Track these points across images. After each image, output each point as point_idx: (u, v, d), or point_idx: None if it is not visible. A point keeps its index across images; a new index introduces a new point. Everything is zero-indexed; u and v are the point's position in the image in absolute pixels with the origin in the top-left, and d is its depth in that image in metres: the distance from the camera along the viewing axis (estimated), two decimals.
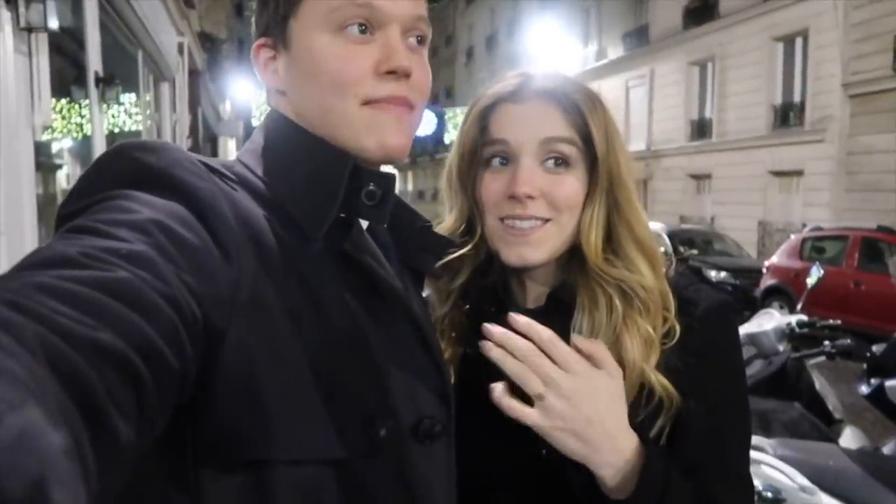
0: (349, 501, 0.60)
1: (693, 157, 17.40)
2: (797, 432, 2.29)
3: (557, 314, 0.87)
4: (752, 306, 7.81)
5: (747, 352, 2.80)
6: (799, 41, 14.45)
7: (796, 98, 14.65)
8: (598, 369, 0.77)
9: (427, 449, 0.67)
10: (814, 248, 9.19)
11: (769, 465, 1.95)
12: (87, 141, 4.75)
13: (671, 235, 10.93)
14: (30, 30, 3.10)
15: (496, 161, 0.89)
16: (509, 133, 0.87)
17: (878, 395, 2.57)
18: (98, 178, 0.56)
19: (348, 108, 0.67)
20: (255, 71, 0.73)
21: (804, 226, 11.27)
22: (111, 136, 5.27)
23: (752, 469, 0.93)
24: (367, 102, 0.67)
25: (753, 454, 1.96)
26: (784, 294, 8.82)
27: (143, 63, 6.79)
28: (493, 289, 0.93)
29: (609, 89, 18.82)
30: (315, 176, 0.67)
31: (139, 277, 0.46)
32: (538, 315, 0.89)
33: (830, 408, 2.62)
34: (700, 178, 17.51)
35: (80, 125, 4.76)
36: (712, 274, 10.06)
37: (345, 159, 0.67)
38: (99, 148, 4.67)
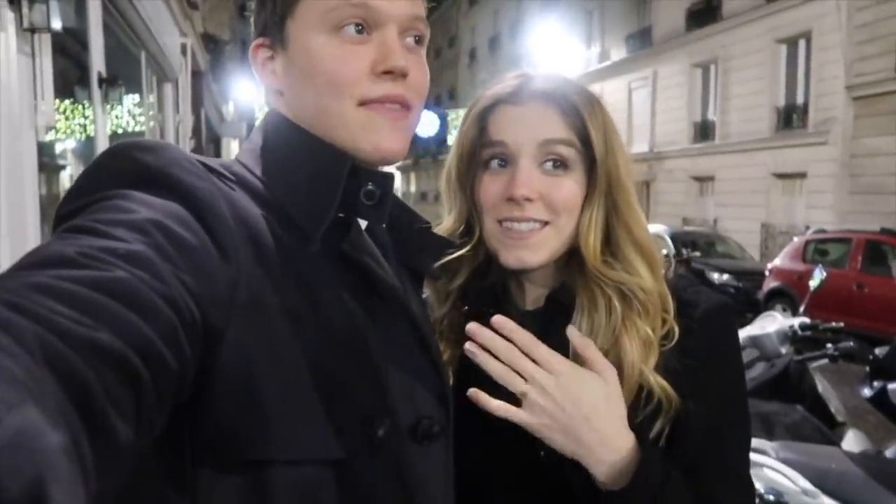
0: (347, 501, 0.60)
1: (696, 159, 17.38)
2: (799, 435, 2.28)
3: (556, 316, 0.87)
4: (755, 309, 7.78)
5: (750, 354, 2.80)
6: (802, 43, 14.43)
7: (799, 100, 14.62)
8: (585, 369, 0.77)
9: (425, 449, 0.67)
10: (817, 250, 9.16)
11: (771, 467, 1.95)
12: (90, 142, 4.75)
13: (674, 237, 10.91)
14: (33, 30, 3.11)
15: (495, 163, 0.89)
16: (508, 135, 0.87)
17: (880, 398, 2.56)
18: (96, 177, 0.57)
19: (345, 108, 0.67)
20: (253, 71, 0.73)
21: (807, 228, 11.24)
22: (114, 137, 5.27)
23: (754, 472, 0.93)
24: (363, 103, 0.67)
25: (755, 457, 1.96)
26: (787, 296, 8.80)
27: (147, 64, 6.81)
28: (491, 290, 0.93)
29: (612, 91, 18.82)
30: (314, 176, 0.67)
31: (137, 277, 0.46)
32: (537, 317, 0.90)
33: (833, 410, 2.62)
34: (703, 180, 17.49)
35: (84, 126, 4.77)
36: (715, 276, 10.04)
37: (343, 159, 0.67)
38: (102, 149, 4.64)
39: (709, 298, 0.87)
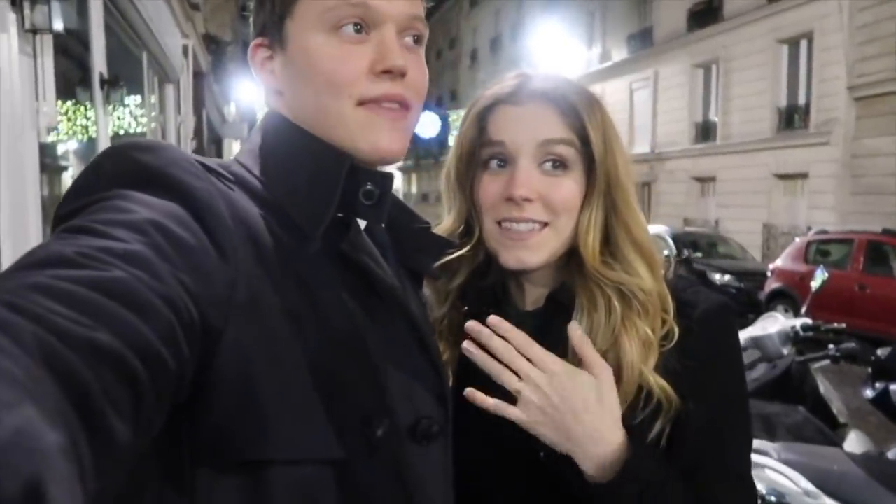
0: (346, 501, 0.60)
1: (697, 160, 17.37)
2: (801, 436, 2.28)
3: (556, 316, 0.87)
4: (757, 310, 7.76)
5: (751, 355, 2.79)
6: (804, 43, 14.42)
7: (801, 100, 14.61)
8: (578, 369, 0.78)
9: (424, 449, 0.67)
10: (819, 251, 9.15)
11: (773, 468, 1.95)
12: (91, 143, 4.76)
13: (675, 238, 10.91)
14: (35, 31, 3.11)
15: (494, 163, 0.89)
16: (507, 135, 0.87)
17: (882, 399, 2.56)
18: (95, 178, 0.57)
19: (343, 108, 0.67)
20: (252, 71, 0.73)
21: (809, 229, 11.23)
22: (116, 138, 5.28)
23: (756, 473, 0.93)
24: (362, 102, 0.67)
25: (757, 458, 1.96)
26: (789, 297, 8.79)
27: (148, 65, 6.81)
28: (491, 290, 0.93)
29: (613, 92, 18.82)
30: (313, 175, 0.67)
31: (135, 277, 0.46)
32: (537, 317, 0.90)
33: (835, 411, 2.61)
34: (704, 180, 17.47)
35: (85, 127, 4.78)
36: (716, 277, 10.03)
37: (342, 159, 0.67)
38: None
39: (708, 299, 0.87)
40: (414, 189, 40.47)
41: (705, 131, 17.33)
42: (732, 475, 0.84)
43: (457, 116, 16.00)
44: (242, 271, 0.57)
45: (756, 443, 1.94)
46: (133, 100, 6.20)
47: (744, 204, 15.68)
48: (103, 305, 0.42)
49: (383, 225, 0.75)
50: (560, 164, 0.86)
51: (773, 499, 1.85)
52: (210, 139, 13.86)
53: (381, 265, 0.68)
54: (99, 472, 0.37)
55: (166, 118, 7.98)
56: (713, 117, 17.06)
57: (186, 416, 0.54)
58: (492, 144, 0.88)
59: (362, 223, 0.71)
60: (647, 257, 0.87)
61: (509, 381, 0.77)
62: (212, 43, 13.20)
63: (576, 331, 0.80)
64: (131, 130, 6.17)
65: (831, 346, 2.77)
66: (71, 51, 4.33)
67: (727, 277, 10.10)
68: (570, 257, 0.89)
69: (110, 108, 4.98)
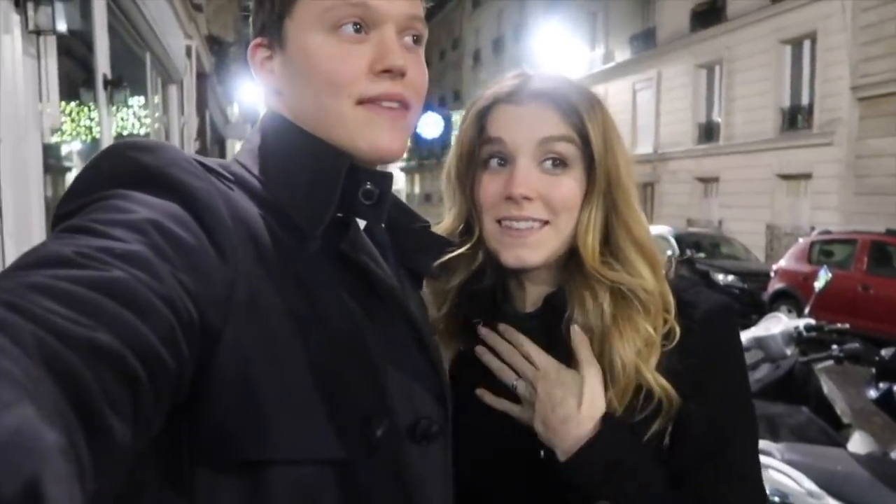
0: (346, 501, 0.60)
1: (700, 161, 17.33)
2: (805, 437, 2.27)
3: (554, 318, 0.87)
4: (760, 310, 7.74)
5: (755, 356, 2.79)
6: (807, 44, 14.38)
7: (804, 101, 14.57)
8: (565, 366, 0.84)
9: (424, 449, 0.67)
10: (822, 251, 9.13)
11: (776, 469, 1.94)
12: (95, 143, 4.78)
13: (678, 239, 10.90)
14: (38, 33, 3.12)
15: (494, 162, 0.89)
16: (506, 133, 0.87)
17: (886, 400, 2.56)
18: (94, 177, 0.56)
19: (343, 107, 0.67)
20: (251, 71, 0.73)
21: (812, 229, 11.19)
22: (119, 139, 5.28)
23: None
24: (361, 102, 0.67)
25: (761, 458, 1.95)
26: (792, 298, 8.77)
27: (151, 66, 6.83)
28: (491, 290, 0.93)
29: (616, 92, 18.80)
30: (312, 175, 0.67)
31: (135, 277, 0.46)
32: (536, 317, 0.90)
33: (838, 412, 2.61)
34: (707, 181, 17.44)
35: (89, 128, 4.79)
36: (720, 277, 10.02)
37: (342, 158, 0.67)
38: None
39: (709, 299, 0.87)
40: (417, 189, 40.46)
41: (708, 132, 17.30)
42: (735, 475, 0.83)
43: (459, 117, 16.05)
44: (242, 271, 0.57)
45: (759, 443, 1.94)
46: (136, 101, 6.22)
47: (747, 204, 15.65)
48: (102, 305, 0.42)
49: (383, 225, 0.75)
50: (560, 162, 0.86)
51: (776, 499, 1.85)
52: (213, 140, 13.89)
53: (380, 265, 0.68)
54: (98, 472, 0.37)
55: (169, 119, 8.00)
56: (716, 118, 17.02)
57: (186, 416, 0.53)
58: (491, 143, 0.88)
59: (362, 223, 0.71)
60: (649, 257, 0.87)
61: (507, 376, 0.86)
62: (215, 44, 13.23)
63: (577, 332, 0.83)
64: (135, 131, 6.19)
65: (835, 346, 2.77)
66: (74, 52, 4.35)
67: (731, 278, 10.08)
68: (570, 257, 0.89)
69: (114, 109, 4.99)
